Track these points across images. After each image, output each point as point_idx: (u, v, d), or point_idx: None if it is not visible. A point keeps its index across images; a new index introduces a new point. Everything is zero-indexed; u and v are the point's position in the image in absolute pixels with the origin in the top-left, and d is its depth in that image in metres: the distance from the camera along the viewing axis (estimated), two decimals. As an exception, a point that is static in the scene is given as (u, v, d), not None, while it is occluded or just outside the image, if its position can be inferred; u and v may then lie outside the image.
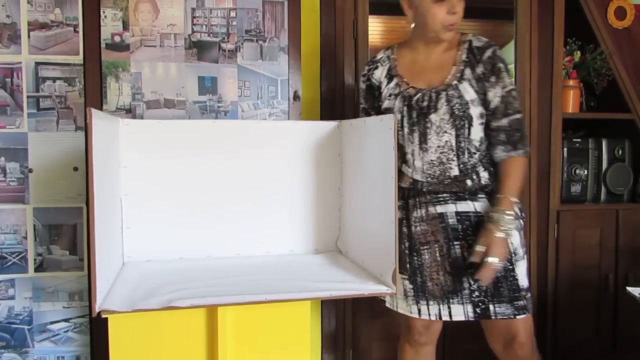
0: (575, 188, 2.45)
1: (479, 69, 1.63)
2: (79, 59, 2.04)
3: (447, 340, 2.31)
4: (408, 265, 1.67)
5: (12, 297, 2.05)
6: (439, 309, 1.63)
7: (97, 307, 1.28)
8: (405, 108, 1.66)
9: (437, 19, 1.60)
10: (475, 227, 1.61)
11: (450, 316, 1.63)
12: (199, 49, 2.13)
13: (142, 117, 2.07)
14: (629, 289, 1.75)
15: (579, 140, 2.46)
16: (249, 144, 1.83)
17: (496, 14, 2.90)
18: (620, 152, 2.46)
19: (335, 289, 1.47)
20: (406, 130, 1.66)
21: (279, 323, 1.47)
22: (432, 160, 1.64)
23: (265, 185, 1.84)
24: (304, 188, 1.87)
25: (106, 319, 1.34)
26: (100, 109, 2.04)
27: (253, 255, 1.82)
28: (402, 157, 1.69)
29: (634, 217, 2.44)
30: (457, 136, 1.62)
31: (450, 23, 1.61)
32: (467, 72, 1.63)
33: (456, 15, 1.61)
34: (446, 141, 1.62)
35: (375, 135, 1.58)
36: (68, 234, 2.06)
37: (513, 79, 1.70)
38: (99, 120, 1.34)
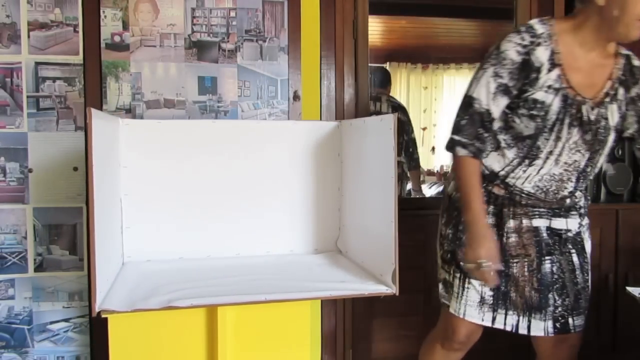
0: (575, 188, 2.45)
1: (636, 90, 1.50)
2: (78, 58, 2.04)
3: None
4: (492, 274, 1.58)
5: (12, 297, 2.04)
6: (518, 321, 1.57)
7: (97, 307, 1.28)
8: (562, 110, 1.46)
9: (637, 10, 1.34)
10: (563, 244, 1.57)
11: (529, 330, 1.57)
12: (198, 48, 2.13)
13: (142, 117, 2.07)
14: (629, 289, 1.75)
15: (578, 140, 2.45)
16: (249, 144, 1.83)
17: (496, 14, 2.91)
18: (620, 152, 2.46)
19: (335, 289, 1.47)
20: (554, 134, 1.48)
21: (278, 323, 1.47)
22: (554, 174, 1.53)
23: (265, 185, 1.84)
24: (304, 188, 1.87)
25: (106, 319, 1.34)
26: (100, 109, 2.04)
27: (253, 255, 1.82)
28: (522, 160, 1.53)
29: (634, 217, 2.44)
30: (588, 159, 1.52)
31: None
32: (621, 92, 1.49)
33: None
34: (575, 160, 1.51)
35: (375, 135, 1.57)
36: (68, 234, 2.06)
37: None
38: (98, 120, 1.33)
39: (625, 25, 1.37)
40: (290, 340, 1.48)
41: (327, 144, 1.88)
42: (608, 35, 1.43)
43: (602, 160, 1.58)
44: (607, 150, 1.54)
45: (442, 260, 1.69)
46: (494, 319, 1.59)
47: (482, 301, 1.59)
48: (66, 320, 2.08)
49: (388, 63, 4.19)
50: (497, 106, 1.50)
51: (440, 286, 1.70)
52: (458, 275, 1.61)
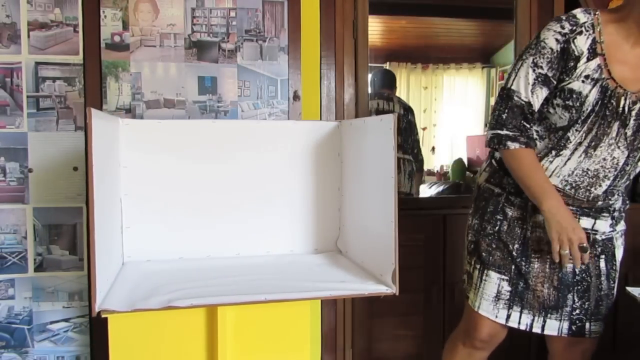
0: (575, 188, 2.45)
1: None
2: (78, 58, 2.04)
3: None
4: (513, 267, 1.55)
5: (11, 297, 2.04)
6: (533, 320, 1.56)
7: (97, 307, 1.28)
8: (600, 102, 1.40)
9: None
10: (591, 245, 1.51)
11: (543, 329, 1.56)
12: (198, 48, 2.13)
13: (142, 117, 2.07)
14: (629, 289, 1.74)
15: (578, 140, 2.45)
16: (249, 144, 1.83)
17: (496, 14, 2.91)
18: (620, 152, 2.46)
19: (335, 289, 1.47)
20: (585, 127, 1.43)
21: (278, 323, 1.47)
22: (587, 169, 1.46)
23: (265, 185, 1.84)
24: (304, 188, 1.87)
25: (106, 318, 1.34)
26: (100, 108, 2.04)
27: (253, 255, 1.82)
28: (549, 151, 1.49)
29: (634, 217, 2.44)
30: (627, 157, 1.45)
31: None
32: None
33: None
34: (614, 157, 1.45)
35: (375, 135, 1.57)
36: (68, 234, 2.06)
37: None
38: (98, 120, 1.33)
39: None
40: (290, 340, 1.48)
41: (327, 144, 1.88)
42: None
43: None
44: None
45: (466, 250, 1.67)
46: (508, 317, 1.57)
47: (498, 296, 1.57)
48: (66, 320, 2.08)
49: (388, 63, 4.20)
50: (537, 97, 1.46)
51: (464, 278, 1.68)
52: (478, 266, 1.60)
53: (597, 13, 1.43)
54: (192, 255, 1.78)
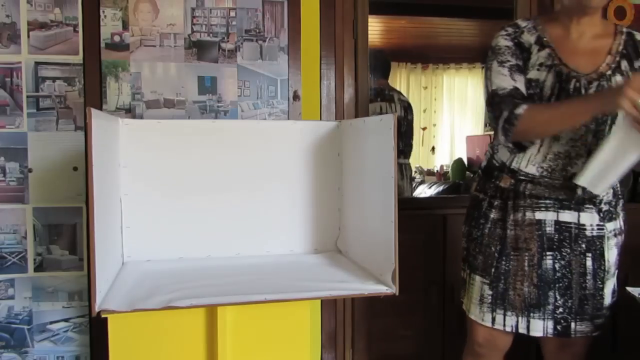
0: (575, 188, 2.45)
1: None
2: (78, 58, 2.04)
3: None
4: (493, 270, 1.57)
5: (11, 297, 2.04)
6: (517, 321, 1.55)
7: (97, 307, 1.28)
8: (557, 86, 1.48)
9: None
10: (574, 240, 1.51)
11: (529, 330, 1.55)
12: (198, 48, 2.13)
13: (141, 117, 2.07)
14: (629, 289, 1.74)
15: (578, 140, 2.45)
16: (249, 144, 1.82)
17: (496, 14, 2.91)
18: (620, 152, 2.46)
19: (335, 289, 1.47)
20: None
21: (278, 323, 1.47)
22: (559, 152, 1.50)
23: (265, 185, 1.84)
24: (303, 188, 1.87)
25: (106, 318, 1.34)
26: (100, 108, 2.04)
27: (253, 255, 1.82)
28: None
29: (634, 217, 2.44)
30: (595, 132, 1.47)
31: None
32: (624, 64, 1.49)
33: None
34: (582, 135, 1.48)
35: (375, 135, 1.57)
36: (68, 234, 2.06)
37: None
38: (98, 120, 1.33)
39: None
40: (290, 340, 1.48)
41: (327, 144, 1.88)
42: (577, 12, 1.49)
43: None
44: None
45: (462, 257, 1.71)
46: (493, 320, 1.58)
47: (482, 300, 1.59)
48: (66, 320, 2.08)
49: (388, 63, 4.19)
50: (519, 83, 1.50)
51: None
52: (467, 271, 1.64)
53: (535, 18, 1.60)
54: (192, 255, 1.78)
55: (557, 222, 1.52)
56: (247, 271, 1.63)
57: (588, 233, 1.52)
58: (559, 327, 1.54)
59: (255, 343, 1.45)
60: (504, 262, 1.56)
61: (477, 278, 1.60)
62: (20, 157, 2.02)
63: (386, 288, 1.47)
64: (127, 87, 2.08)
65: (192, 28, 2.12)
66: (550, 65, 1.50)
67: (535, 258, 1.53)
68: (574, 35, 1.53)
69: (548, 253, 1.52)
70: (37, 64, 2.02)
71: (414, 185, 3.60)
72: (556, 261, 1.53)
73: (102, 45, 2.06)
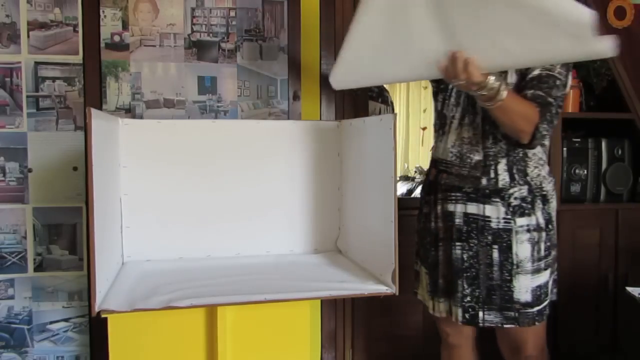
0: (575, 188, 2.45)
1: None
2: (78, 58, 2.04)
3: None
4: (429, 259, 1.67)
5: (11, 297, 2.04)
6: (448, 308, 1.63)
7: (97, 307, 1.28)
8: None
9: None
10: (480, 232, 1.56)
11: (451, 314, 1.62)
12: (198, 48, 2.13)
13: (141, 117, 2.07)
14: (629, 288, 1.75)
15: (578, 140, 2.46)
16: (249, 144, 1.82)
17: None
18: (619, 151, 2.47)
19: (335, 289, 1.47)
20: (452, 100, 1.60)
21: (278, 323, 1.47)
22: (463, 138, 1.58)
23: (265, 185, 1.84)
24: (303, 188, 1.87)
25: (105, 318, 1.34)
26: (100, 108, 2.04)
27: (253, 255, 1.82)
28: (438, 132, 1.66)
29: (633, 217, 2.44)
30: (483, 118, 1.54)
31: None
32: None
33: None
34: (473, 120, 1.57)
35: (375, 135, 1.57)
36: (67, 234, 2.06)
37: (568, 76, 1.53)
38: (98, 120, 1.33)
39: None
40: (290, 340, 1.48)
41: (327, 144, 1.88)
42: None
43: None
44: None
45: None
46: (433, 307, 1.67)
47: (426, 288, 1.69)
48: (66, 320, 2.08)
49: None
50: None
51: None
52: (418, 263, 1.75)
53: None
54: (192, 255, 1.78)
55: (465, 214, 1.58)
56: (247, 271, 1.63)
57: (494, 225, 1.56)
58: (467, 316, 1.58)
59: (255, 343, 1.45)
60: (433, 252, 1.66)
61: (422, 269, 1.71)
62: (20, 157, 2.02)
63: (386, 288, 1.47)
64: (127, 87, 2.08)
65: (192, 28, 2.12)
66: None
67: (449, 248, 1.61)
68: None
69: (457, 243, 1.59)
70: (37, 63, 2.02)
71: (413, 185, 3.58)
72: (464, 251, 1.58)
73: (102, 45, 2.06)
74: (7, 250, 2.03)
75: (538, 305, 1.56)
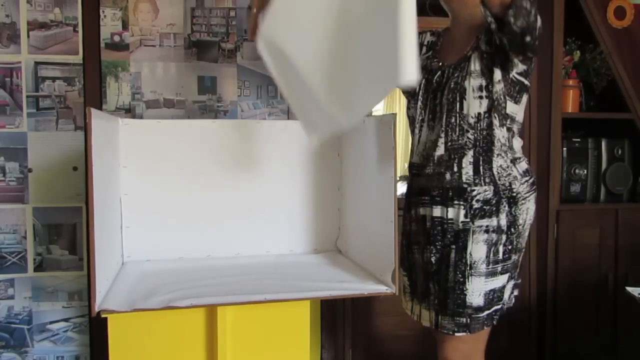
0: (575, 188, 2.45)
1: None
2: (78, 58, 2.04)
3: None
4: (406, 262, 1.67)
5: (11, 297, 2.04)
6: (418, 310, 1.62)
7: (97, 307, 1.28)
8: (423, 81, 1.58)
9: None
10: (444, 234, 1.53)
11: (421, 319, 1.60)
12: (198, 48, 2.13)
13: (141, 117, 2.07)
14: (628, 288, 1.75)
15: (578, 140, 2.46)
16: (249, 144, 1.82)
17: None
18: (619, 151, 2.47)
19: (335, 289, 1.47)
20: (420, 103, 1.59)
21: (278, 323, 1.46)
22: (429, 138, 1.57)
23: (264, 185, 1.84)
24: (303, 188, 1.87)
25: (105, 318, 1.33)
26: (100, 108, 2.04)
27: (253, 255, 1.82)
28: (412, 134, 1.65)
29: (633, 217, 2.44)
30: (448, 110, 1.51)
31: None
32: (483, 42, 1.49)
33: None
34: (443, 119, 1.53)
35: (375, 135, 1.57)
36: (67, 234, 2.06)
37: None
38: (98, 119, 1.33)
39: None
40: (290, 340, 1.48)
41: (327, 144, 1.88)
42: (451, 14, 1.62)
43: (475, 108, 1.48)
44: (471, 95, 1.48)
45: None
46: (412, 309, 1.66)
47: (405, 291, 1.68)
48: (66, 320, 2.08)
49: (388, 63, 4.18)
50: None
51: None
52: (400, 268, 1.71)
53: (441, 30, 1.70)
54: (192, 255, 1.78)
55: (432, 218, 1.56)
56: (247, 271, 1.63)
57: (455, 227, 1.51)
58: (435, 319, 1.55)
59: (255, 343, 1.45)
60: (409, 256, 1.65)
61: (402, 272, 1.69)
62: (20, 157, 2.02)
63: (386, 288, 1.47)
64: (127, 87, 2.08)
65: (192, 28, 2.12)
66: (423, 66, 1.62)
67: (424, 251, 1.60)
68: (454, 36, 1.62)
69: (429, 246, 1.57)
70: (37, 63, 2.02)
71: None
72: (432, 255, 1.56)
73: (102, 45, 2.06)
74: (7, 250, 2.03)
75: (488, 309, 1.49)
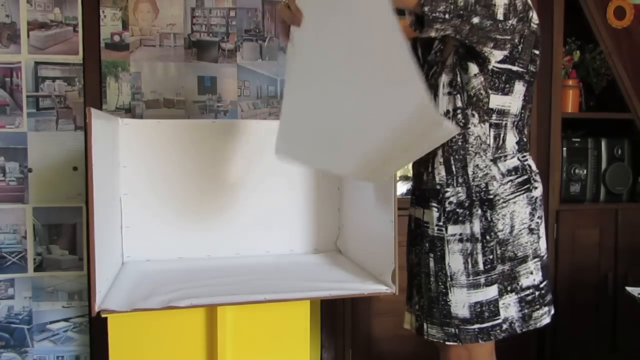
0: (575, 188, 2.45)
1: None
2: (78, 58, 2.04)
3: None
4: (407, 264, 1.62)
5: (11, 297, 2.04)
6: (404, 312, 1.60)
7: (97, 307, 1.28)
8: None
9: None
10: (422, 238, 1.47)
11: (404, 321, 1.57)
12: (198, 48, 2.13)
13: (141, 117, 2.07)
14: (628, 288, 1.75)
15: (578, 140, 2.46)
16: (249, 144, 1.82)
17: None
18: (619, 151, 2.47)
19: (335, 289, 1.47)
20: None
21: (278, 323, 1.47)
22: None
23: (265, 185, 1.84)
24: (303, 188, 1.87)
25: (105, 318, 1.34)
26: (100, 108, 2.04)
27: (253, 255, 1.82)
28: None
29: (633, 217, 2.44)
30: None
31: None
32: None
33: None
34: None
35: (375, 135, 1.57)
36: (67, 234, 2.06)
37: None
38: (98, 119, 1.33)
39: None
40: (290, 340, 1.48)
41: (327, 144, 1.88)
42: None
43: (444, 105, 1.39)
44: (442, 90, 1.39)
45: None
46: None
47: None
48: (66, 320, 2.08)
49: (388, 63, 4.19)
50: None
51: None
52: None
53: None
54: (192, 255, 1.78)
55: (415, 219, 1.52)
56: (247, 271, 1.63)
57: (430, 232, 1.44)
58: (416, 324, 1.51)
59: (255, 343, 1.45)
60: (409, 256, 1.59)
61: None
62: (20, 157, 2.02)
63: (386, 288, 1.47)
64: (127, 87, 2.08)
65: (192, 28, 2.12)
66: None
67: (408, 252, 1.56)
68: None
69: (411, 247, 1.54)
70: (37, 63, 2.02)
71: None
72: (414, 257, 1.53)
73: (102, 45, 2.06)
74: (7, 250, 2.03)
75: (480, 322, 1.38)
